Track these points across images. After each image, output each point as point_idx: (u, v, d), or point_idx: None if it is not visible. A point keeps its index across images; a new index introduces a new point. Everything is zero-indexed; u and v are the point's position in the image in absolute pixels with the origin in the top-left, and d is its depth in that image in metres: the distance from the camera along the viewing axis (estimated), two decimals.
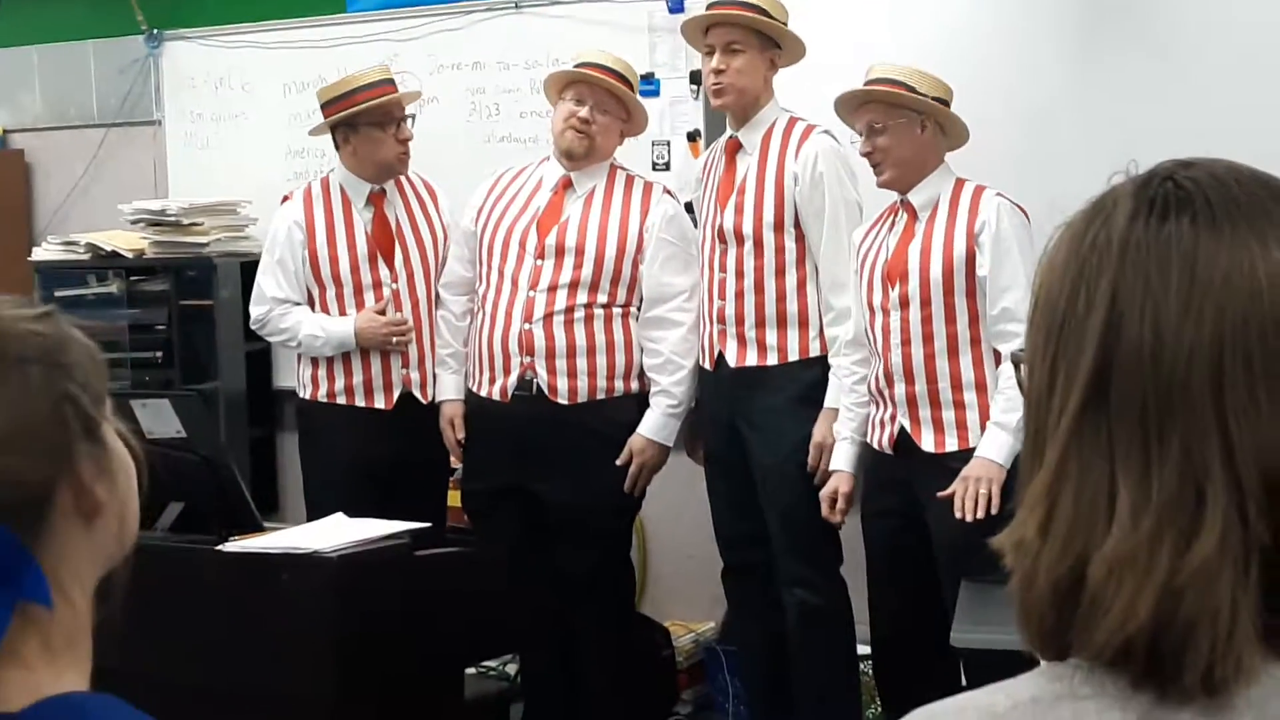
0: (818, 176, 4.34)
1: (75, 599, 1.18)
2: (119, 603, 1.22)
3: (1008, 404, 3.96)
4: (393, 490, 4.68)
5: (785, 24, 4.49)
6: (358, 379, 4.82)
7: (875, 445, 4.24)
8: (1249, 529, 0.95)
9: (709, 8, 4.53)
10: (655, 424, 4.57)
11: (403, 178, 4.94)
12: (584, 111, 4.58)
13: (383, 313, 4.79)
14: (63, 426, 1.18)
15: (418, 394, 4.85)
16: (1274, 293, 0.97)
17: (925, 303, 4.10)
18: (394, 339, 4.78)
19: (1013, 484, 3.80)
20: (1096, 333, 1.00)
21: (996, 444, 3.97)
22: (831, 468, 4.32)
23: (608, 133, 4.62)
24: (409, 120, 4.87)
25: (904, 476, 4.18)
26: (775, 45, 4.47)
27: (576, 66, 4.66)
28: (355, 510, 4.17)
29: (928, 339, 4.11)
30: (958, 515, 3.90)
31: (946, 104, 4.17)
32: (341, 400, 4.84)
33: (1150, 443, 0.97)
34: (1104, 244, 1.01)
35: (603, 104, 4.59)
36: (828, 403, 4.37)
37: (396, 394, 4.83)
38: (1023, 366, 1.08)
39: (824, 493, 4.31)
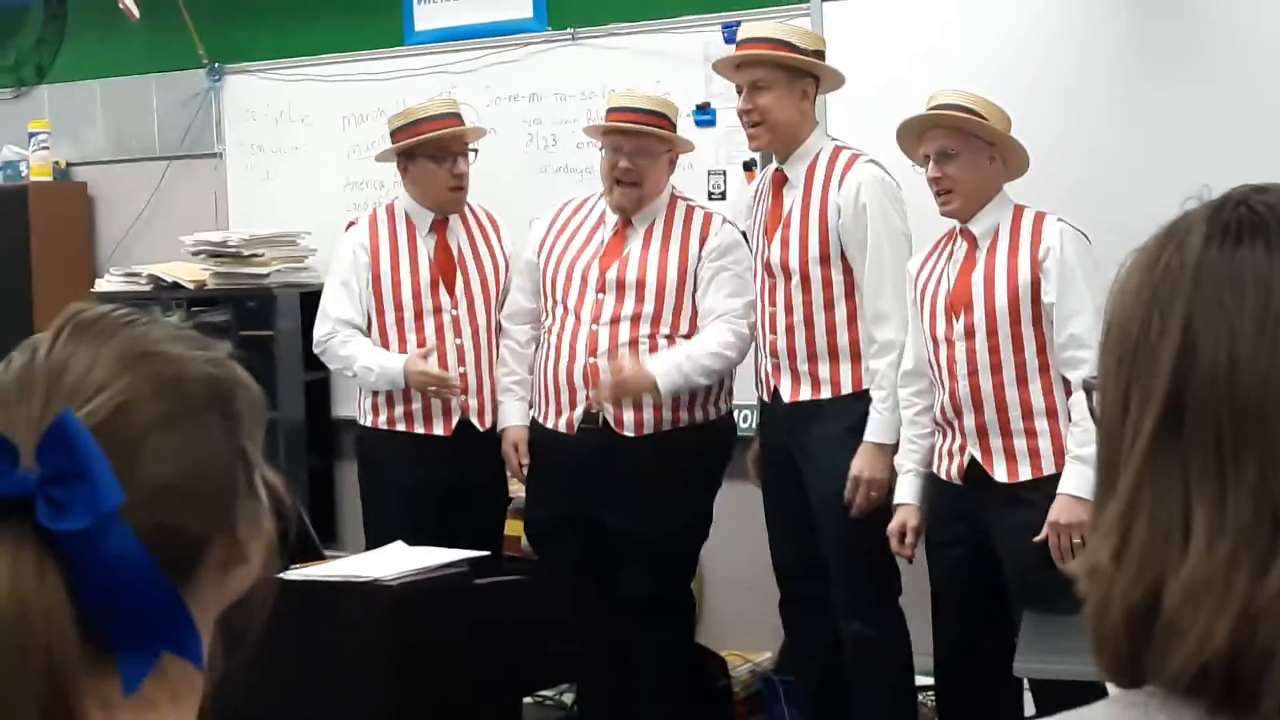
0: (860, 208, 4.33)
1: (203, 641, 1.16)
2: (247, 656, 1.20)
3: (1084, 435, 3.89)
4: (450, 517, 4.71)
5: (819, 52, 4.48)
6: (416, 405, 4.85)
7: (944, 475, 4.21)
8: None
9: (737, 46, 4.53)
10: (660, 362, 4.49)
11: (466, 209, 4.98)
12: (624, 162, 4.58)
13: (428, 356, 4.79)
14: (231, 480, 1.16)
15: (475, 421, 4.87)
16: None
17: (992, 332, 4.08)
18: (440, 391, 4.78)
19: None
20: (1170, 358, 0.99)
21: (1079, 480, 3.90)
22: (897, 501, 4.29)
23: (652, 174, 4.61)
24: (470, 155, 4.90)
25: (972, 507, 4.15)
26: (807, 76, 4.45)
27: (609, 112, 4.66)
28: (413, 537, 4.19)
29: (996, 369, 4.08)
30: (1058, 564, 3.85)
31: (1008, 131, 4.16)
32: (401, 427, 4.87)
33: (1226, 468, 0.96)
34: (1177, 269, 1.01)
35: (641, 149, 4.58)
36: (867, 437, 4.33)
37: (455, 420, 4.85)
38: (1094, 393, 1.08)
39: (892, 527, 4.28)
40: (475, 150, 4.95)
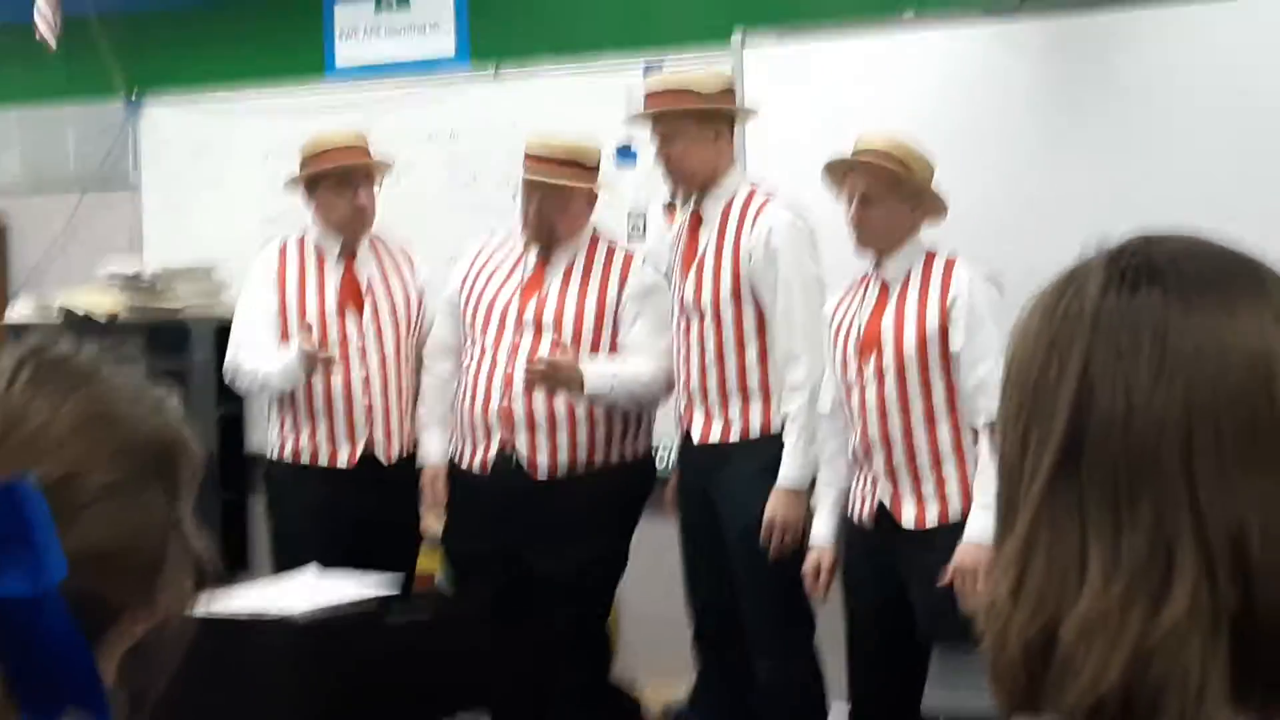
0: (772, 252, 4.35)
1: (109, 704, 1.13)
2: (147, 715, 1.19)
3: (990, 484, 3.94)
4: (359, 551, 4.68)
5: (727, 91, 4.50)
6: (321, 435, 4.83)
7: (855, 519, 4.25)
8: (1218, 593, 0.96)
9: (645, 98, 4.55)
10: (594, 367, 4.49)
11: (378, 241, 4.97)
12: (532, 210, 4.60)
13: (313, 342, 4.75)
14: (161, 553, 1.14)
15: (380, 454, 4.85)
16: (1242, 363, 0.99)
17: (900, 375, 4.11)
18: (319, 356, 4.71)
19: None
20: (1068, 401, 1.01)
21: (983, 526, 3.92)
22: (813, 541, 4.32)
23: (564, 216, 4.61)
24: (373, 188, 4.89)
25: (883, 550, 4.18)
26: (719, 118, 4.47)
27: (525, 156, 4.65)
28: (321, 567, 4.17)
29: (904, 410, 4.12)
30: (966, 612, 3.88)
31: (928, 182, 4.18)
32: (305, 459, 4.85)
33: (1121, 509, 0.99)
34: (1076, 314, 1.03)
35: (549, 196, 4.58)
36: (780, 481, 4.34)
37: (359, 451, 4.83)
38: (995, 434, 1.10)
39: (806, 567, 4.30)
40: (379, 184, 4.93)
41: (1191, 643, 0.96)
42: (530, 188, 4.62)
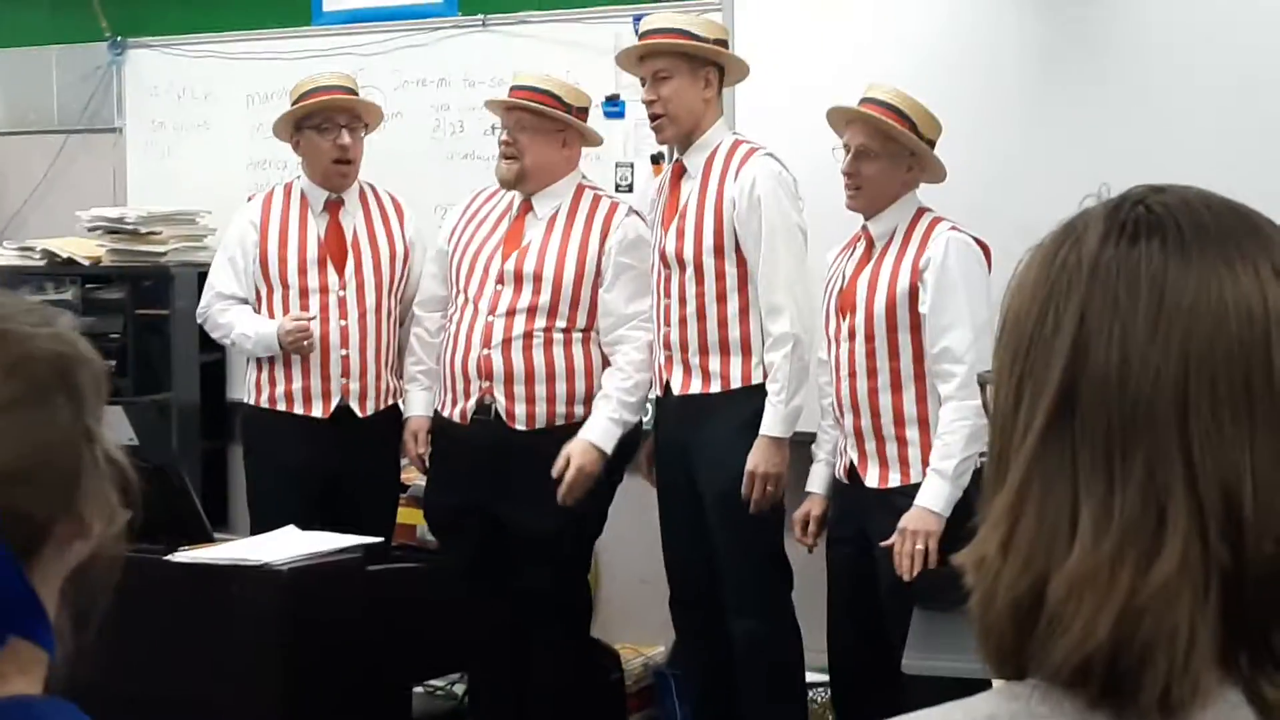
0: (755, 200, 4.32)
1: (49, 614, 1.15)
2: (93, 633, 1.19)
3: (946, 450, 3.94)
4: (335, 503, 4.69)
5: (721, 41, 4.48)
6: (297, 385, 4.82)
7: (835, 474, 4.26)
8: (1209, 551, 0.96)
9: (640, 38, 4.53)
10: (594, 428, 4.51)
11: (367, 189, 4.95)
12: (504, 135, 4.59)
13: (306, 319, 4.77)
14: (76, 461, 1.15)
15: (355, 406, 4.83)
16: (1240, 318, 0.98)
17: (869, 336, 4.09)
18: (303, 341, 4.72)
19: (953, 532, 3.84)
20: (1063, 353, 1.00)
21: (934, 492, 3.94)
22: (807, 488, 4.32)
23: (533, 150, 4.56)
24: (360, 132, 4.85)
25: (855, 507, 4.19)
26: (710, 65, 4.45)
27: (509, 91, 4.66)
28: (296, 519, 4.17)
29: (871, 373, 4.10)
30: (897, 572, 3.91)
31: (933, 142, 4.14)
32: (281, 406, 4.85)
33: (1114, 464, 0.98)
34: (1074, 265, 1.02)
35: (521, 122, 4.56)
36: (763, 430, 4.32)
37: (334, 403, 4.82)
38: (989, 387, 1.08)
39: (796, 515, 4.32)
40: (367, 127, 4.90)
41: (1181, 601, 0.95)
42: (503, 114, 4.62)
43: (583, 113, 4.66)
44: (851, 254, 4.22)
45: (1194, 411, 0.97)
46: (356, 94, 4.91)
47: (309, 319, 4.76)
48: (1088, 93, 4.62)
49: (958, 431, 3.94)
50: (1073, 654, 0.96)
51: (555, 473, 4.45)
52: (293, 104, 4.87)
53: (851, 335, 4.13)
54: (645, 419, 4.78)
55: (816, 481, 4.34)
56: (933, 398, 4.06)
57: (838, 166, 4.20)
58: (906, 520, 3.94)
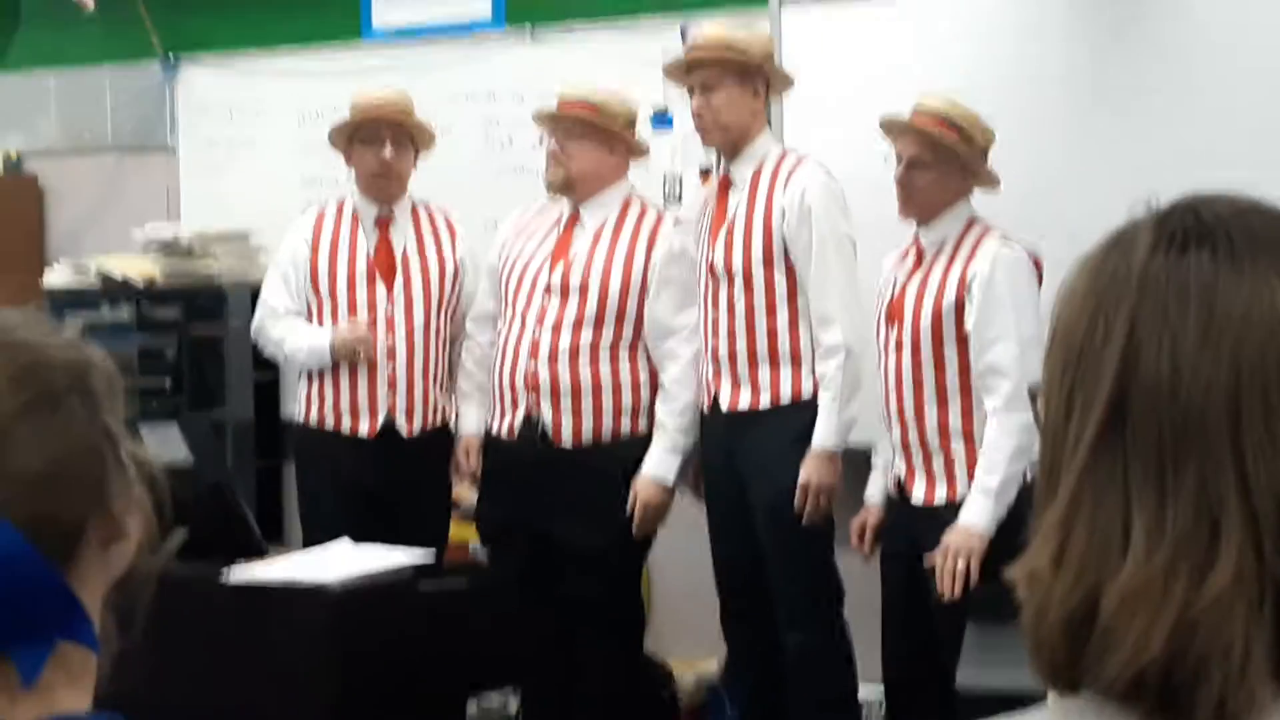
0: (805, 211, 4.31)
1: (93, 623, 1.16)
2: (139, 632, 1.20)
3: (990, 466, 3.90)
4: (385, 521, 4.70)
5: (768, 54, 4.48)
6: (345, 402, 4.85)
7: (888, 488, 4.23)
8: (1264, 563, 0.94)
9: (687, 50, 4.52)
10: (654, 461, 4.53)
11: (420, 208, 4.97)
12: (552, 144, 4.61)
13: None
14: (100, 460, 1.16)
15: (401, 424, 4.85)
16: None
17: (916, 348, 4.06)
18: (360, 349, 4.76)
19: (993, 553, 3.81)
20: (1114, 364, 0.99)
21: (978, 510, 3.90)
22: (866, 497, 4.31)
23: (579, 157, 4.59)
24: (409, 149, 4.89)
25: (906, 521, 4.16)
26: (758, 76, 4.45)
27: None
28: (347, 535, 4.18)
29: (918, 385, 4.07)
30: (938, 592, 3.88)
31: (986, 151, 4.11)
32: (329, 424, 4.87)
33: (1166, 475, 0.97)
34: (1123, 276, 1.01)
35: (569, 133, 4.59)
36: (815, 442, 4.30)
37: (381, 420, 4.83)
38: (1039, 398, 1.07)
39: (854, 523, 4.31)
40: (415, 146, 4.91)
41: (1236, 614, 0.94)
42: (550, 125, 4.65)
43: (630, 124, 4.67)
44: (904, 262, 4.20)
45: (1246, 422, 0.96)
46: (410, 112, 4.92)
47: (366, 326, 4.78)
48: (1135, 100, 4.59)
49: (1002, 448, 3.90)
50: (1126, 668, 0.95)
51: (629, 509, 4.49)
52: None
53: (899, 346, 4.10)
54: None
55: (874, 490, 4.32)
56: (978, 412, 4.02)
57: (884, 175, 4.19)
58: (949, 538, 3.91)
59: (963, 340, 4.00)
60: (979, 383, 3.99)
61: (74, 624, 1.11)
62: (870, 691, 4.66)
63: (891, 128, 4.17)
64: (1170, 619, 0.94)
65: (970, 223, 4.12)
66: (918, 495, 4.09)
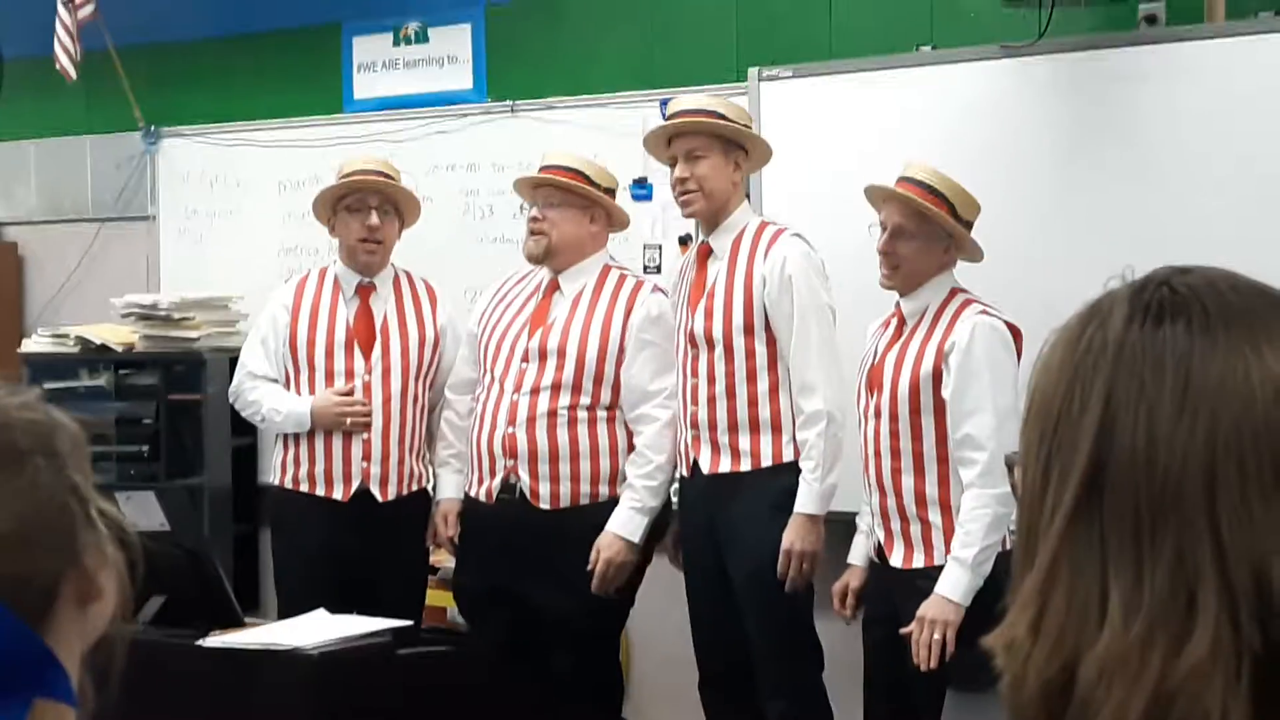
0: (786, 280, 4.33)
1: (71, 679, 1.16)
2: (115, 693, 1.20)
3: (967, 538, 3.87)
4: (363, 588, 4.68)
5: (747, 127, 4.52)
6: (319, 467, 4.84)
7: (870, 553, 4.23)
8: (1240, 633, 0.95)
9: (672, 116, 4.56)
10: (620, 518, 4.51)
11: (401, 276, 4.98)
12: (533, 212, 4.63)
13: (349, 395, 4.81)
14: (69, 519, 1.16)
15: (376, 491, 4.83)
16: (1267, 398, 0.98)
17: (894, 416, 4.05)
18: (348, 419, 4.78)
19: (972, 621, 3.80)
20: (1090, 434, 1.00)
21: (954, 581, 3.88)
22: (849, 560, 4.30)
23: (563, 225, 4.61)
24: (395, 218, 4.90)
25: (886, 586, 4.16)
26: (739, 148, 4.48)
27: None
28: (321, 601, 4.17)
29: (895, 454, 4.05)
30: (914, 661, 3.87)
31: (971, 223, 4.11)
32: (304, 488, 4.86)
33: (1143, 544, 0.97)
34: (1099, 346, 1.02)
35: (550, 199, 4.61)
36: (798, 508, 4.30)
37: (354, 487, 4.83)
38: (1015, 468, 1.08)
39: (835, 587, 4.29)
40: (399, 215, 4.93)
41: (1213, 684, 0.94)
42: (530, 193, 4.67)
43: (610, 193, 4.70)
44: (885, 331, 4.21)
45: (1222, 492, 0.96)
46: (396, 180, 4.95)
47: (357, 402, 4.79)
48: (1113, 175, 4.62)
49: (979, 520, 3.88)
50: None
51: (589, 568, 4.47)
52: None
53: (878, 414, 4.10)
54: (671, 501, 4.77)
55: (857, 554, 4.30)
56: (955, 481, 3.99)
57: (861, 246, 4.19)
58: (925, 609, 3.89)
59: (940, 410, 3.99)
60: (955, 454, 3.97)
61: (52, 682, 1.11)
62: None
63: (876, 195, 4.18)
64: (1148, 689, 0.94)
65: (953, 293, 4.11)
66: (896, 560, 4.09)
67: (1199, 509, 0.96)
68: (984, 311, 4.02)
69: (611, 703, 4.81)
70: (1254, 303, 1.03)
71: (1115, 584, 0.97)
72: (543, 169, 4.68)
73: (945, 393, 3.96)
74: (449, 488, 4.82)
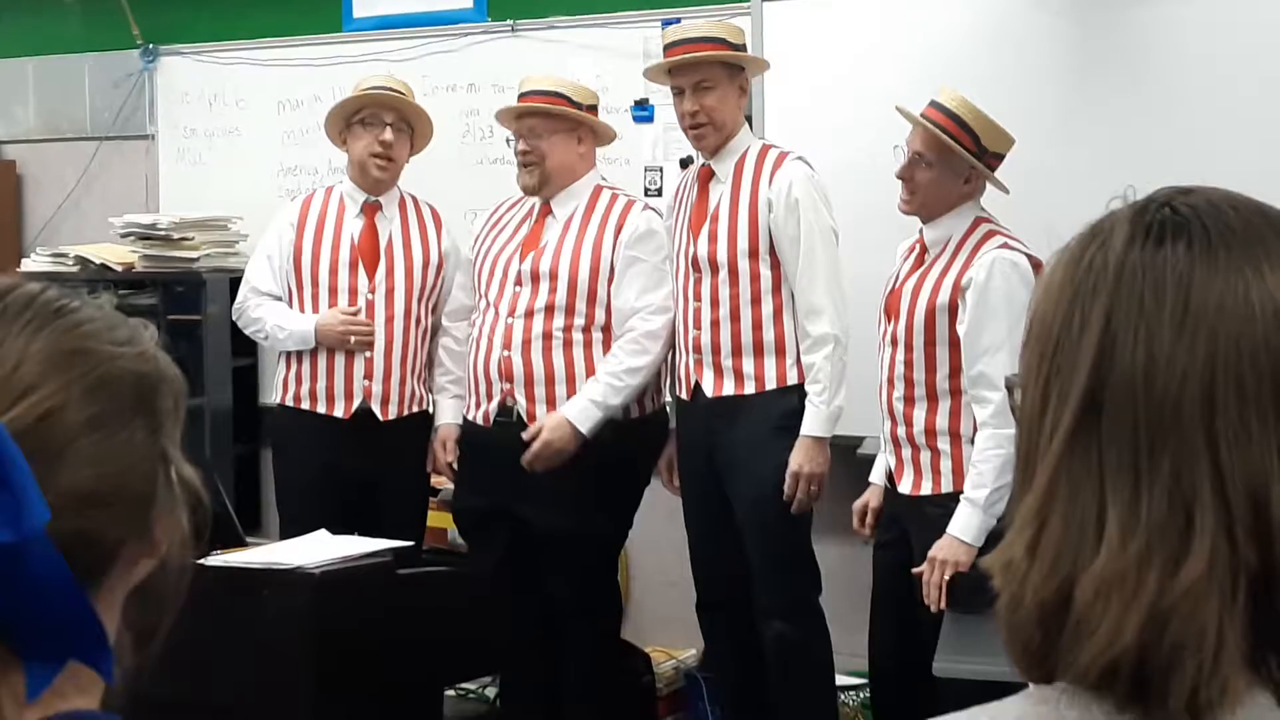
0: (793, 203, 4.32)
1: (113, 653, 1.12)
2: (167, 640, 1.17)
3: (979, 479, 3.83)
4: (362, 505, 4.71)
5: (743, 44, 4.48)
6: (320, 384, 4.85)
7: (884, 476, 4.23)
8: (1237, 553, 0.95)
9: (666, 48, 4.50)
10: (576, 406, 4.46)
11: (407, 198, 4.97)
12: (521, 145, 4.60)
13: (355, 314, 4.81)
14: (151, 484, 1.13)
15: (376, 409, 4.85)
16: (1267, 319, 0.98)
17: (909, 346, 4.02)
18: (351, 337, 4.79)
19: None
20: (1090, 355, 1.00)
21: (965, 522, 3.85)
22: (870, 479, 4.28)
23: (553, 152, 4.58)
24: (406, 137, 4.89)
25: (897, 510, 4.16)
26: (741, 72, 4.45)
27: (518, 98, 4.67)
28: (321, 519, 4.19)
29: (909, 382, 4.03)
30: (926, 602, 3.87)
31: (1002, 156, 4.05)
32: (305, 405, 4.88)
33: (1140, 465, 0.97)
34: (1100, 268, 1.02)
35: (536, 128, 4.58)
36: (804, 430, 4.31)
37: (356, 404, 4.84)
38: (1015, 390, 1.08)
39: (856, 505, 4.28)
40: (412, 131, 4.92)
41: (1209, 603, 0.95)
42: (514, 124, 4.63)
43: (593, 110, 4.67)
44: (909, 258, 4.15)
45: (1221, 413, 0.96)
46: (412, 98, 4.93)
47: (362, 321, 4.79)
48: (1117, 96, 4.60)
49: (991, 460, 3.83)
50: (1100, 656, 0.96)
51: (526, 436, 4.44)
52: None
53: (894, 342, 4.06)
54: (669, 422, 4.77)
55: (877, 473, 4.26)
56: (966, 413, 3.96)
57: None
58: (936, 549, 3.87)
59: (955, 343, 3.94)
60: (970, 391, 3.92)
61: (92, 649, 1.08)
62: (846, 680, 4.67)
63: (904, 119, 4.11)
64: (1144, 608, 0.95)
65: (976, 223, 4.04)
66: (904, 486, 4.08)
67: (1197, 429, 0.97)
68: (1005, 245, 3.94)
69: (608, 623, 4.84)
70: (1255, 223, 1.02)
71: (1113, 504, 0.98)
72: (522, 96, 4.64)
73: (960, 329, 3.92)
74: (447, 413, 4.84)
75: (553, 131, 4.58)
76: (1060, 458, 1.00)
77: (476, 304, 4.73)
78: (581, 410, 4.46)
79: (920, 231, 4.12)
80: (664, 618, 5.51)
